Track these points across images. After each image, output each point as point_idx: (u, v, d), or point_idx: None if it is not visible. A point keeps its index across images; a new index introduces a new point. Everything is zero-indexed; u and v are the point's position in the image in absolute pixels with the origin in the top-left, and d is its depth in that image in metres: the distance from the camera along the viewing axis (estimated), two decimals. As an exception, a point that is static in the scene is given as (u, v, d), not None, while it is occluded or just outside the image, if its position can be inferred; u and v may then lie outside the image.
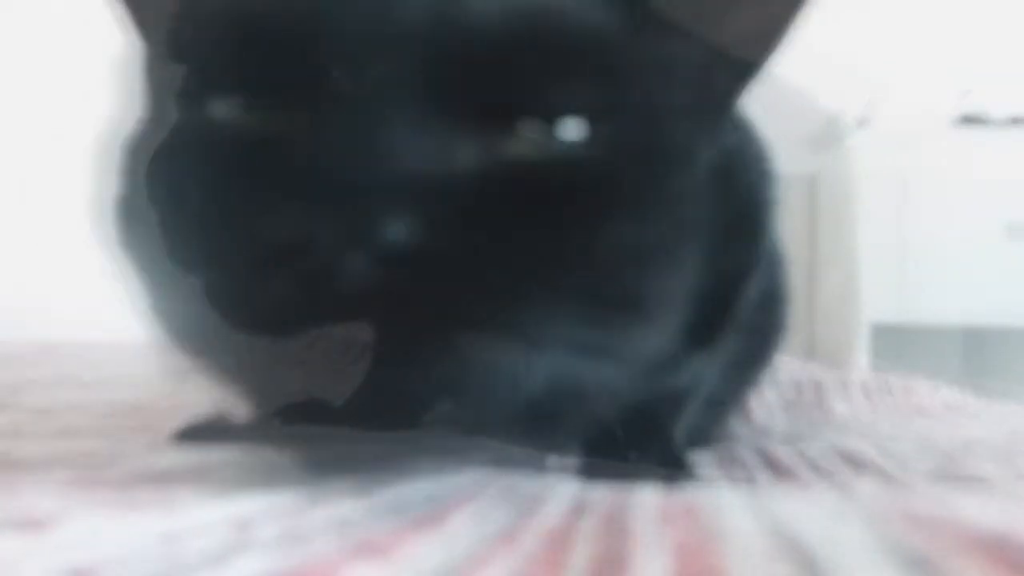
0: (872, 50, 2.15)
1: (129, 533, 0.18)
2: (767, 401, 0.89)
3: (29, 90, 1.63)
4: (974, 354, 2.05)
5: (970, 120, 2.01)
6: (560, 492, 0.30)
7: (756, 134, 0.53)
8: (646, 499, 0.25)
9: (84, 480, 0.24)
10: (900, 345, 2.03)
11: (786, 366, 1.03)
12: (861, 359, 1.91)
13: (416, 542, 0.21)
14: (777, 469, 0.46)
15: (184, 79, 0.31)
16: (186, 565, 0.16)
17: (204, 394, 0.78)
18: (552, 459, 0.51)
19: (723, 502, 0.23)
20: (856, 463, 0.44)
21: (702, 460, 0.52)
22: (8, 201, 1.60)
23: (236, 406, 0.62)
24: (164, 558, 0.17)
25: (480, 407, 0.42)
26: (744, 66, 0.38)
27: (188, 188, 0.30)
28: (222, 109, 0.30)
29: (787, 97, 2.10)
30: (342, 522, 0.23)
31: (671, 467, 0.42)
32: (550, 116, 0.30)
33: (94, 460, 0.30)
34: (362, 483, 0.29)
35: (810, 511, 0.19)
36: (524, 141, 0.30)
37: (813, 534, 0.17)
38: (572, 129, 0.31)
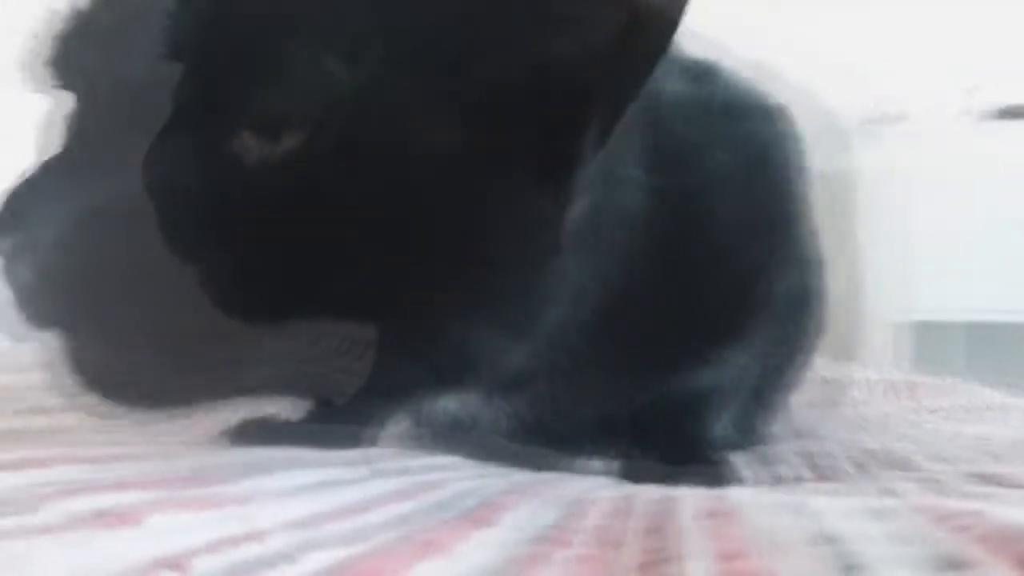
0: (878, 46, 2.12)
1: (210, 527, 0.19)
2: (803, 401, 0.89)
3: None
4: (980, 349, 2.01)
5: (1000, 114, 1.97)
6: (606, 494, 0.31)
7: (792, 128, 0.52)
8: (689, 500, 0.26)
9: (155, 479, 0.25)
10: (942, 342, 2.00)
11: (825, 366, 1.03)
12: (886, 356, 1.88)
13: (473, 540, 0.22)
14: (819, 470, 0.47)
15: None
16: (264, 558, 0.18)
17: (246, 397, 0.80)
18: (593, 463, 0.52)
19: (764, 501, 0.24)
20: (896, 464, 0.44)
21: (742, 461, 0.52)
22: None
23: (282, 408, 0.63)
24: (244, 551, 0.18)
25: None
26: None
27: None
28: None
29: (790, 95, 2.07)
30: (400, 521, 0.24)
31: (710, 468, 0.42)
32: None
33: (157, 459, 0.32)
34: (415, 484, 0.30)
35: (849, 509, 0.20)
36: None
37: (851, 532, 0.18)
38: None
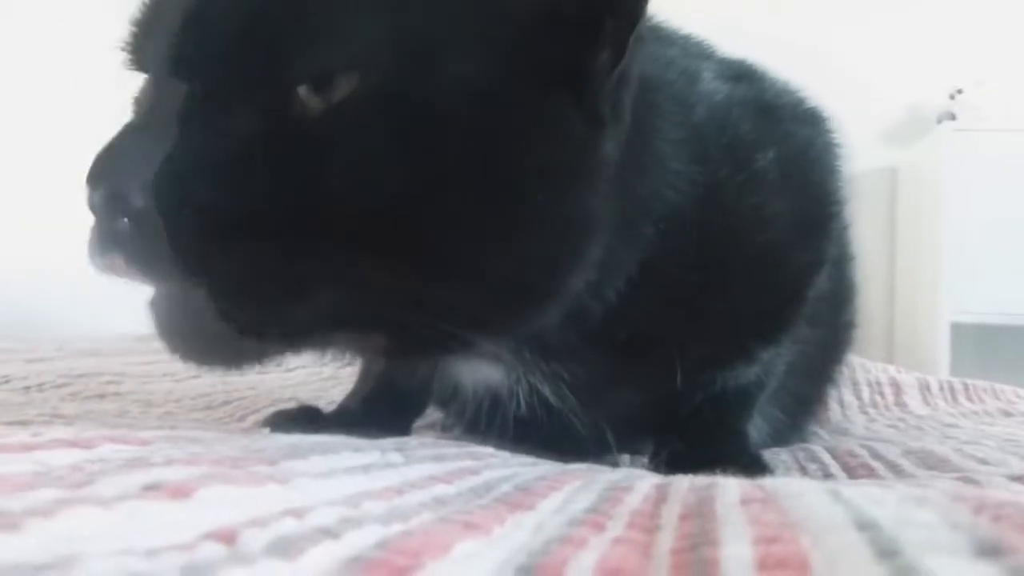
0: (959, 41, 2.08)
1: (256, 503, 0.20)
2: (845, 402, 0.88)
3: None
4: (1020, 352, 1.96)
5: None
6: (642, 483, 0.31)
7: (828, 129, 0.52)
8: (727, 487, 0.26)
9: (201, 459, 0.26)
10: (982, 344, 1.96)
11: (864, 367, 1.02)
12: (943, 359, 1.85)
13: (510, 523, 0.23)
14: (853, 468, 0.46)
15: None
16: (308, 533, 0.18)
17: (284, 387, 0.81)
18: (627, 455, 0.52)
19: (801, 488, 0.24)
20: (934, 464, 0.43)
21: (779, 458, 0.52)
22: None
23: (317, 398, 0.64)
24: (290, 527, 0.18)
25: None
26: None
27: None
28: None
29: (865, 89, 2.05)
30: (437, 503, 0.25)
31: (747, 464, 0.42)
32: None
33: (201, 443, 0.33)
34: (449, 470, 0.31)
35: (884, 497, 0.20)
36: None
37: (888, 519, 0.18)
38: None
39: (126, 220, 0.31)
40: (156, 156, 0.30)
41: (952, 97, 2.01)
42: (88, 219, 0.32)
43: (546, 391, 0.42)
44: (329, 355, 0.42)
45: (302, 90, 0.31)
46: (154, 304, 0.34)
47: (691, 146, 0.42)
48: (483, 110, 0.32)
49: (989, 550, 0.15)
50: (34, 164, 1.45)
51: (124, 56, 0.36)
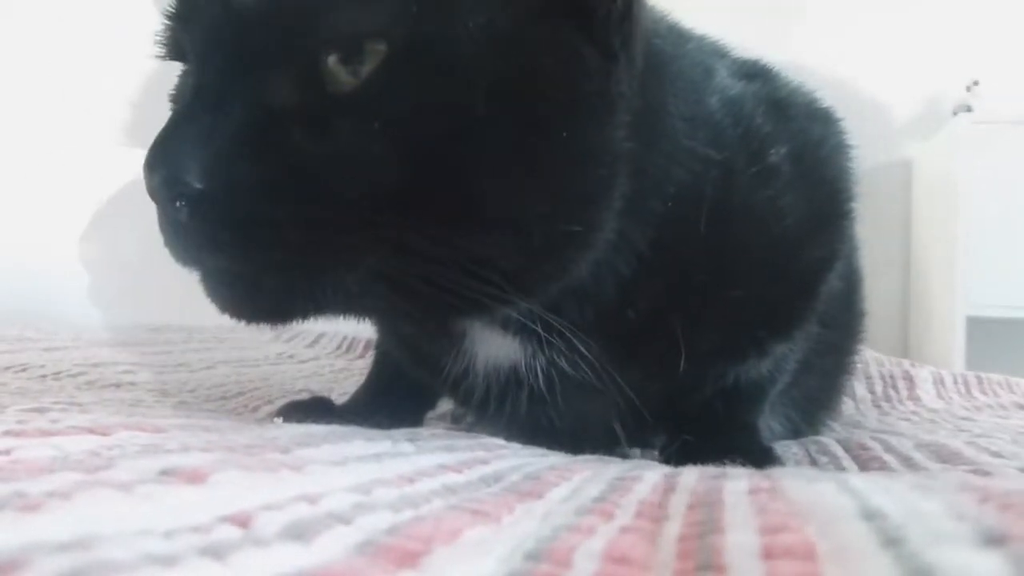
0: (976, 32, 2.06)
1: (271, 489, 0.20)
2: (857, 396, 0.88)
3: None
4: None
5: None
6: (652, 473, 0.31)
7: (840, 129, 0.53)
8: (735, 478, 0.26)
9: (216, 446, 0.26)
10: (998, 338, 1.94)
11: (878, 361, 1.02)
12: (958, 353, 1.83)
13: (520, 511, 0.23)
14: (865, 461, 0.46)
15: None
16: (321, 518, 0.18)
17: (296, 379, 0.82)
18: (638, 449, 0.52)
19: (808, 479, 0.24)
20: (947, 457, 0.43)
21: (791, 451, 0.52)
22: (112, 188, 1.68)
23: (328, 390, 0.65)
24: (303, 512, 0.19)
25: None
26: None
27: None
28: None
29: (881, 81, 2.04)
30: (447, 491, 0.25)
31: (757, 455, 0.42)
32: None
33: (215, 431, 0.33)
34: (460, 459, 0.31)
35: (891, 487, 0.20)
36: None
37: (894, 509, 0.18)
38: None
39: (184, 204, 0.32)
40: (205, 140, 0.32)
41: (969, 89, 1.99)
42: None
43: (563, 364, 0.42)
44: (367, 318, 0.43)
45: (331, 60, 0.33)
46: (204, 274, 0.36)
47: (704, 129, 0.42)
48: (503, 56, 0.33)
49: (994, 539, 0.15)
50: (54, 157, 1.46)
51: (160, 47, 0.38)
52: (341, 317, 0.39)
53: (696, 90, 0.43)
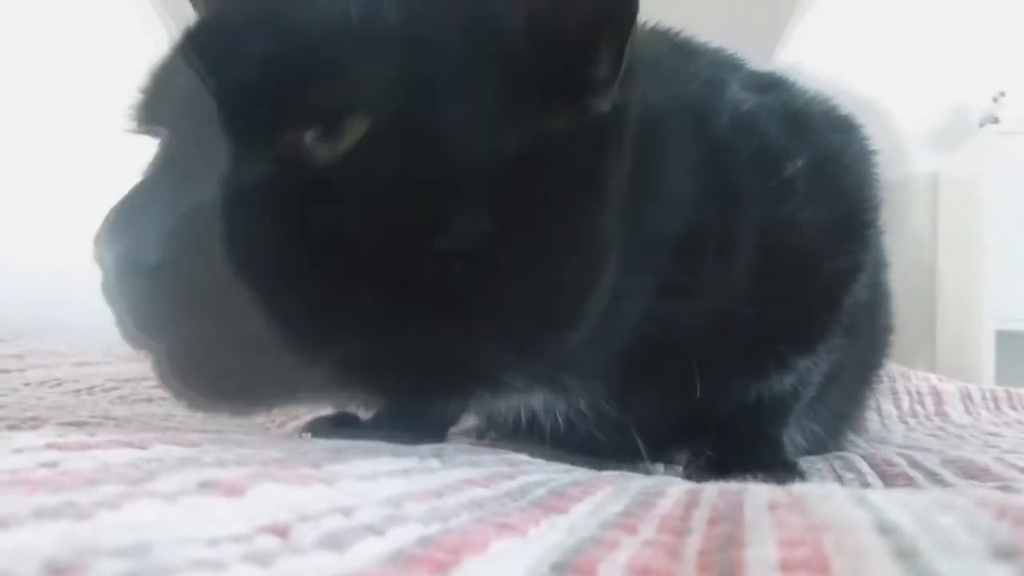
0: (1002, 43, 2.04)
1: (306, 501, 0.21)
2: (884, 411, 0.87)
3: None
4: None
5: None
6: (674, 488, 0.31)
7: (862, 136, 0.53)
8: (756, 492, 0.27)
9: (250, 460, 0.27)
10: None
11: (905, 376, 1.01)
12: (988, 368, 1.81)
13: (546, 524, 0.23)
14: (891, 477, 0.46)
15: None
16: (355, 529, 0.19)
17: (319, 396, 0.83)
18: (661, 464, 0.52)
19: (826, 493, 0.24)
20: (974, 473, 0.43)
21: (815, 467, 0.52)
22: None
23: (355, 405, 0.65)
24: (337, 524, 0.19)
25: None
26: None
27: None
28: None
29: (907, 93, 2.03)
30: (475, 505, 0.26)
31: (781, 470, 0.43)
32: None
33: (248, 446, 0.34)
34: (486, 474, 0.32)
35: (909, 503, 0.20)
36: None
37: (910, 523, 0.18)
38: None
39: (136, 277, 0.30)
40: (168, 213, 0.30)
41: (995, 100, 1.98)
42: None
43: (582, 405, 0.42)
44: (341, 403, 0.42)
45: (309, 136, 0.31)
46: (157, 358, 0.33)
47: (710, 161, 0.42)
48: (490, 142, 0.32)
49: (1006, 551, 0.15)
50: (80, 167, 1.48)
51: (132, 121, 0.36)
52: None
53: (700, 120, 0.42)
